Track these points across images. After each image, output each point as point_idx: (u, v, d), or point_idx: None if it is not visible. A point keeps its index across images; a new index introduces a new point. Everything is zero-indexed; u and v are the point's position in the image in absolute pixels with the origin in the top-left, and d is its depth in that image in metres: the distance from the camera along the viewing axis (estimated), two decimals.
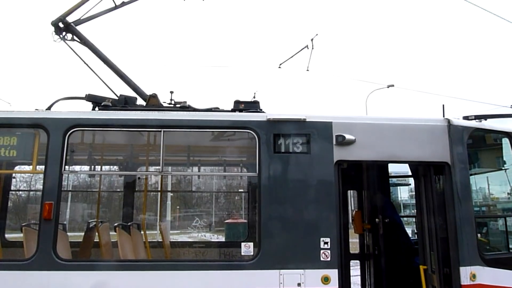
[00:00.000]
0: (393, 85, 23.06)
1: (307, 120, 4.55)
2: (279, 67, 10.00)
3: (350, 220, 6.70)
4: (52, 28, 5.44)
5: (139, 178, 6.84)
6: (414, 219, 8.27)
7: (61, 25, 5.45)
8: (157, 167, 5.13)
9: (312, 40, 8.70)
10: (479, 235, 4.89)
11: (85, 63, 5.56)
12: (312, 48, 8.65)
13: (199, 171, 7.06)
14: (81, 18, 5.56)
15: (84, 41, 5.51)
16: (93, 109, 5.09)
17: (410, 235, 7.15)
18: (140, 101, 5.38)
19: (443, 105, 5.80)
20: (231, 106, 5.09)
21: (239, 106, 5.06)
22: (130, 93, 5.44)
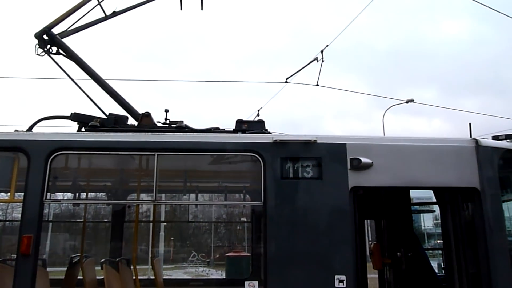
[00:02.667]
0: (412, 100, 23.01)
1: (318, 141, 4.55)
2: (286, 82, 10.12)
3: (368, 254, 6.62)
4: (36, 41, 5.52)
5: (129, 207, 6.82)
6: (440, 252, 8.16)
7: (45, 37, 5.52)
8: (150, 195, 5.11)
9: (322, 52, 8.82)
10: None
11: (70, 78, 5.63)
12: (322, 61, 8.77)
13: (196, 199, 7.03)
14: (68, 30, 5.64)
15: (70, 55, 5.58)
16: (79, 130, 5.13)
17: (437, 270, 7.06)
18: (131, 121, 5.42)
19: (470, 124, 5.81)
20: (233, 126, 5.11)
21: (242, 126, 5.08)
22: (121, 111, 5.48)
